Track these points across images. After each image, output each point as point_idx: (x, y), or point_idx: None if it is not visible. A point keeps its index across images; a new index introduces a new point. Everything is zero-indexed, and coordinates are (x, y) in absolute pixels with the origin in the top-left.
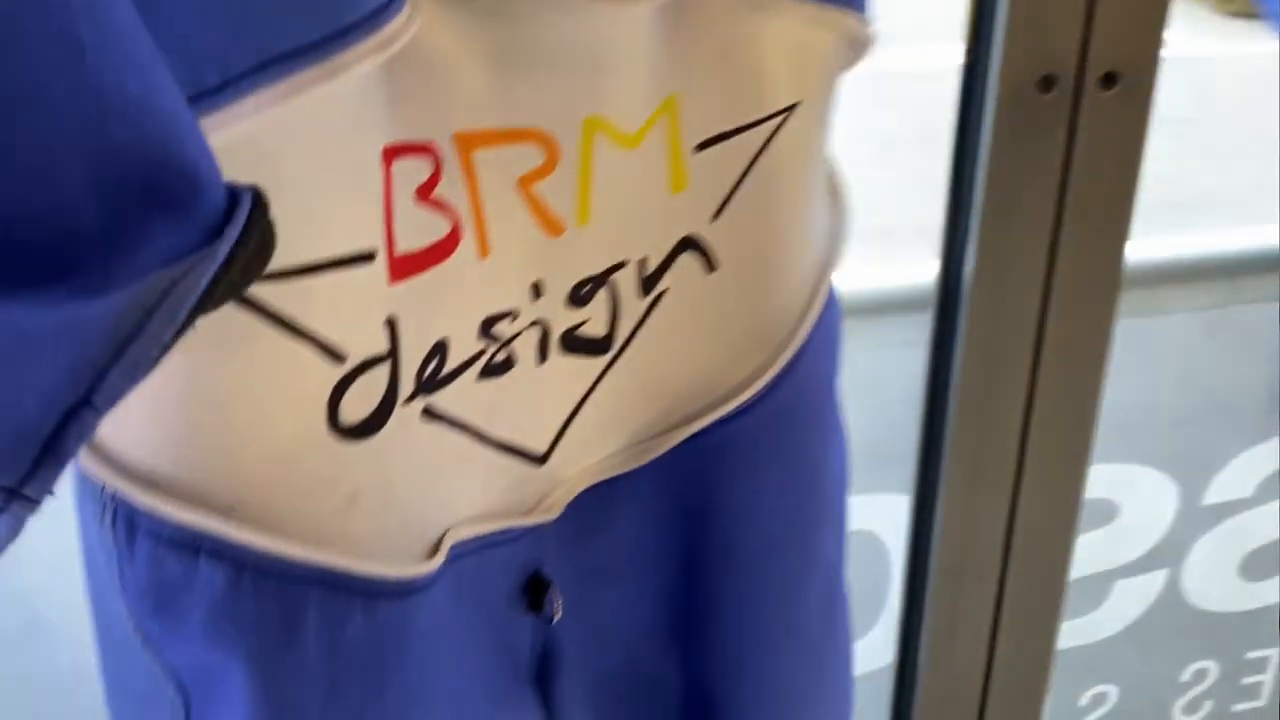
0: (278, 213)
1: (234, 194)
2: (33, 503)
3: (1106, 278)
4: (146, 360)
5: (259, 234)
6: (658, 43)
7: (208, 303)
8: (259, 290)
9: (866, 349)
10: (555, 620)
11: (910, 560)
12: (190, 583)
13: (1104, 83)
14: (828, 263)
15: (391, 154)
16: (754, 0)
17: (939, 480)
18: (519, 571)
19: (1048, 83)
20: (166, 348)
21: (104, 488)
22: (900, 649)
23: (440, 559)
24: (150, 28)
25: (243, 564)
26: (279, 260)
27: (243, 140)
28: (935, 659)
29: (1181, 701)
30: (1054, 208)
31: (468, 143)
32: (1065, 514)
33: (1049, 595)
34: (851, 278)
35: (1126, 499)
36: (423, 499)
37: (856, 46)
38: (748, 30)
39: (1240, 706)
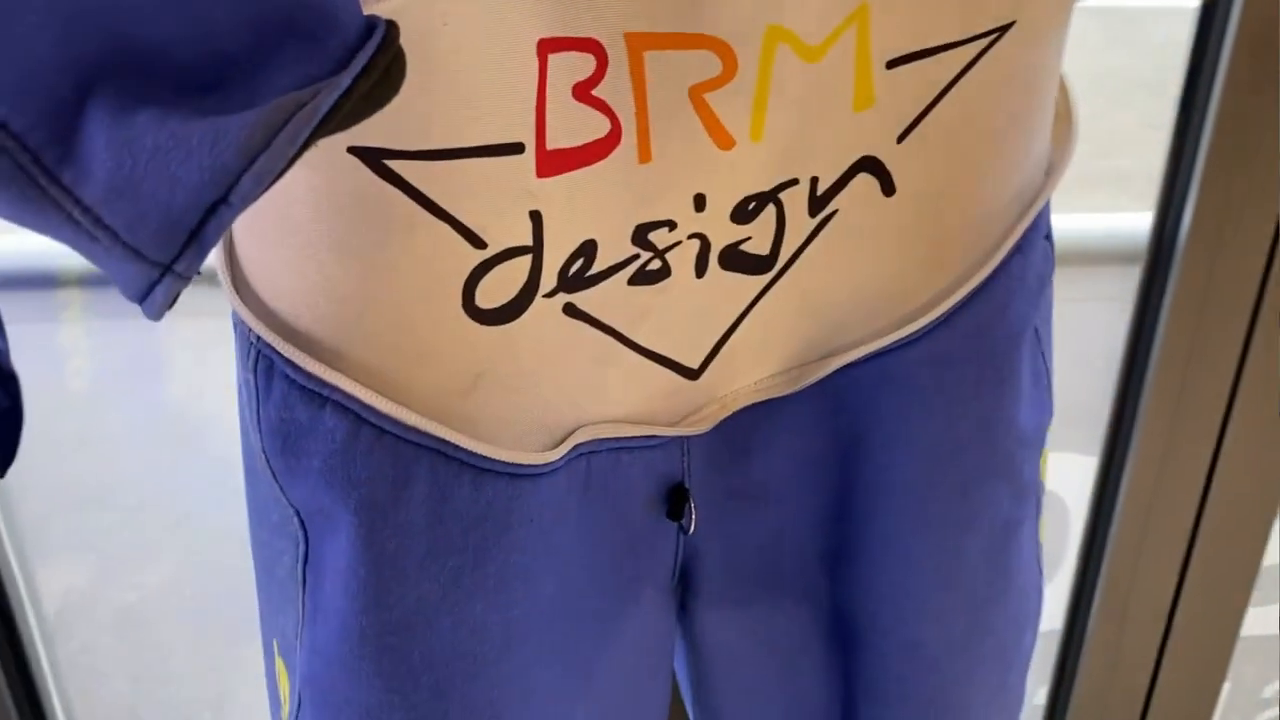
0: (427, 92)
1: (369, 29)
2: (182, 279)
3: None
4: (273, 170)
5: (382, 66)
6: None
7: (330, 125)
8: (403, 167)
9: (1066, 301)
10: (690, 532)
11: (1089, 524)
12: (314, 429)
13: None
14: (1034, 200)
15: (548, 47)
16: None
17: (1129, 445)
18: (660, 479)
19: None
20: (292, 160)
21: (251, 331)
22: (1069, 614)
23: (560, 452)
24: None
25: (362, 421)
26: (423, 141)
27: (393, 14)
28: (1103, 628)
29: None
30: None
31: (639, 43)
32: (1266, 494)
33: (1237, 577)
34: (1064, 224)
35: None
36: (553, 392)
37: None
38: None
39: None
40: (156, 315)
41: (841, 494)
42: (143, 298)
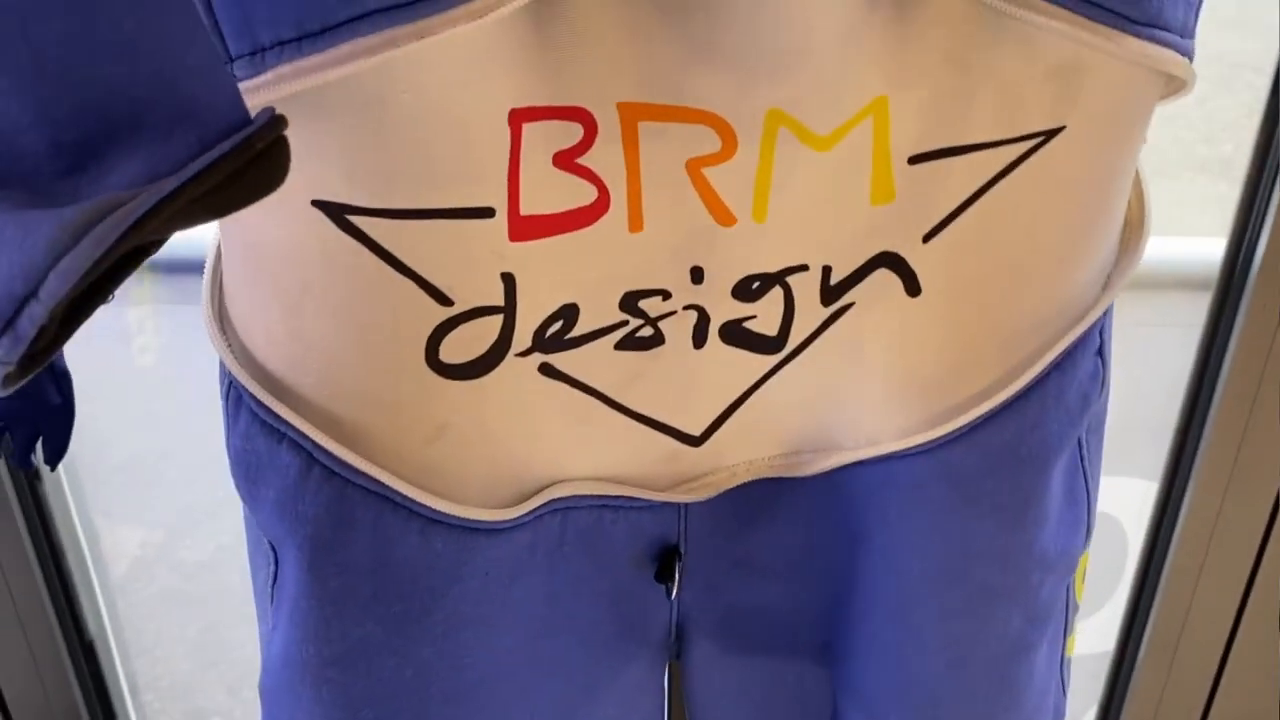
0: (387, 153)
1: (239, 126)
2: (2, 365)
3: None
4: (78, 270)
5: (228, 170)
6: (867, 38)
7: (153, 225)
8: (366, 223)
9: (1133, 325)
10: (673, 595)
11: (1147, 549)
12: (272, 463)
13: None
14: (1084, 315)
15: (521, 116)
16: (1000, 7)
17: (1192, 471)
18: (651, 540)
19: None
20: (99, 260)
21: (223, 362)
22: (1121, 638)
23: (525, 509)
24: None
25: (314, 460)
26: (386, 199)
27: (349, 83)
28: (1156, 654)
29: None
30: None
31: (633, 113)
32: None
33: None
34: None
35: None
36: (526, 448)
37: (1168, 80)
38: (990, 38)
39: None
40: None
41: (844, 585)
42: None
